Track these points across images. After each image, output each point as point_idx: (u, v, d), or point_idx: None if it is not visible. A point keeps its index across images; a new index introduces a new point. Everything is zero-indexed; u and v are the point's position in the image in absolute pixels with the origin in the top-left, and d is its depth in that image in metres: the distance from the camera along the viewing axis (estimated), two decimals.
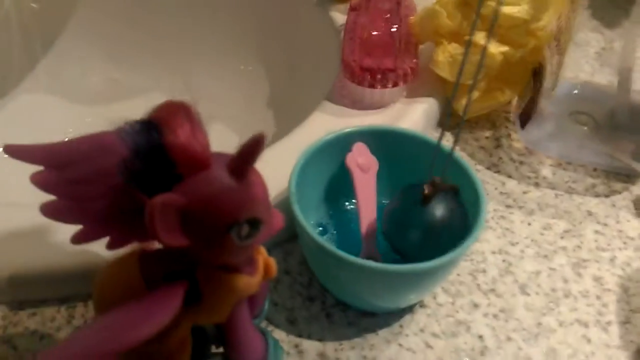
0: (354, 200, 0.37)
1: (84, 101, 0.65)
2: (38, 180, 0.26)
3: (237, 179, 0.23)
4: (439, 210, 0.30)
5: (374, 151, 0.37)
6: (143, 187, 0.23)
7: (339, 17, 0.51)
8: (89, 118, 0.63)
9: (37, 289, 0.34)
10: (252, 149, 0.22)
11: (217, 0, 0.59)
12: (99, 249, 0.30)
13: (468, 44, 0.28)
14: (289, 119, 0.53)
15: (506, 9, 0.39)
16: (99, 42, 0.65)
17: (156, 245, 0.28)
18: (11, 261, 0.33)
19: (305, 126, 0.42)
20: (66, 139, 0.26)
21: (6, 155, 0.26)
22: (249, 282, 0.26)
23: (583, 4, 0.39)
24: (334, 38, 0.50)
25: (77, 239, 0.27)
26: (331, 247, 0.29)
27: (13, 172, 0.58)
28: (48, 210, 0.26)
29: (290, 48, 0.56)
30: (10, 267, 0.33)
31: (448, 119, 0.44)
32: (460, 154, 0.43)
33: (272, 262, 0.28)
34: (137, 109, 0.69)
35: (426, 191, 0.31)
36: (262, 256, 0.27)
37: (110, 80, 0.66)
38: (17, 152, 0.26)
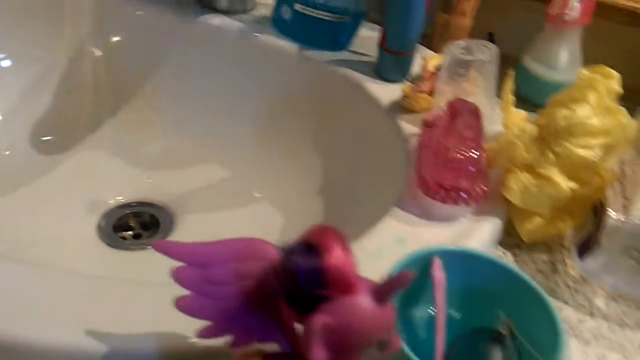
0: (422, 309, 0.40)
1: (141, 165, 0.68)
2: (179, 277, 0.28)
3: (379, 305, 0.25)
4: (506, 355, 0.33)
5: (448, 266, 0.39)
6: (290, 300, 0.25)
7: (406, 126, 0.55)
8: (150, 180, 0.66)
9: None
10: (399, 283, 0.24)
11: (289, 94, 0.63)
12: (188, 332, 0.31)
13: None
14: (349, 216, 0.56)
15: (581, 152, 0.43)
16: (167, 113, 0.69)
17: (276, 347, 0.30)
18: (101, 336, 0.34)
19: (378, 229, 0.45)
20: (213, 241, 0.29)
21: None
22: None
23: None
24: (400, 144, 0.54)
25: (204, 334, 0.28)
26: None
27: (60, 223, 0.60)
28: (183, 306, 0.28)
29: (355, 149, 0.59)
30: (99, 341, 0.34)
31: None
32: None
33: None
34: (190, 179, 0.71)
35: (502, 331, 0.34)
36: None
37: (170, 148, 0.69)
38: (164, 248, 0.28)
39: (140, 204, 0.65)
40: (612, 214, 0.43)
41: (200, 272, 0.28)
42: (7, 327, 0.34)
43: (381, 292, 0.25)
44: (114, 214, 0.63)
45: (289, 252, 0.25)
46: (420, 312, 0.40)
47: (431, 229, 0.45)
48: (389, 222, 0.46)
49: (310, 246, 0.25)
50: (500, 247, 0.48)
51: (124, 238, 0.61)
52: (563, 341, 0.34)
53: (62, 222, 0.61)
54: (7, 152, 0.65)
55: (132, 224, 0.63)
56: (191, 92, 0.67)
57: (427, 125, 0.50)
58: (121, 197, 0.64)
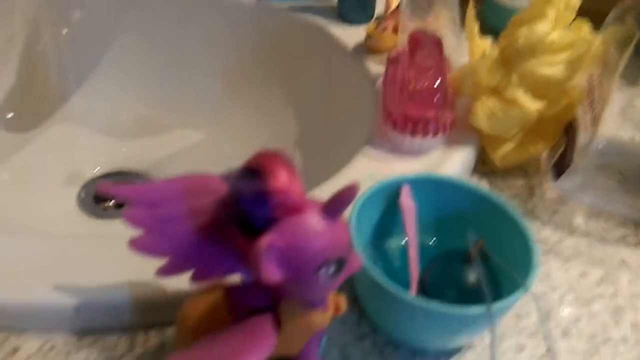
0: (397, 239, 0.39)
1: (114, 135, 0.67)
2: (130, 217, 0.28)
3: (329, 222, 0.24)
4: (476, 273, 0.33)
5: (420, 195, 0.39)
6: (240, 227, 0.25)
7: (373, 66, 0.54)
8: (124, 149, 0.65)
9: (99, 318, 0.35)
10: (348, 195, 0.24)
11: (253, 46, 0.62)
12: (160, 281, 0.31)
13: None
14: (324, 161, 0.55)
15: (545, 70, 0.42)
16: (132, 80, 0.68)
17: (238, 279, 0.29)
18: (74, 291, 0.34)
19: (349, 169, 0.44)
20: (162, 179, 0.28)
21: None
22: (323, 318, 0.27)
23: (613, 68, 0.42)
24: (368, 86, 0.53)
25: (163, 272, 0.28)
26: (399, 289, 0.31)
27: (38, 199, 0.59)
28: (136, 245, 0.28)
29: (325, 94, 0.58)
30: (73, 296, 0.34)
31: None
32: None
33: (342, 299, 0.29)
34: (165, 144, 0.70)
35: (472, 251, 0.34)
36: (332, 293, 0.29)
37: (140, 116, 0.68)
38: (111, 190, 0.28)
39: (119, 173, 0.64)
40: (583, 132, 0.43)
41: (151, 211, 0.27)
42: None
43: (330, 208, 0.24)
44: (93, 186, 0.63)
45: (232, 178, 0.24)
46: (395, 243, 0.40)
47: (402, 163, 0.45)
48: (360, 160, 0.45)
49: (253, 171, 0.24)
50: (475, 176, 0.47)
51: (105, 208, 0.61)
52: (536, 255, 0.33)
53: (41, 199, 0.60)
54: None
55: None
56: (154, 56, 0.66)
57: (391, 61, 0.49)
58: (98, 168, 0.64)
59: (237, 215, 0.25)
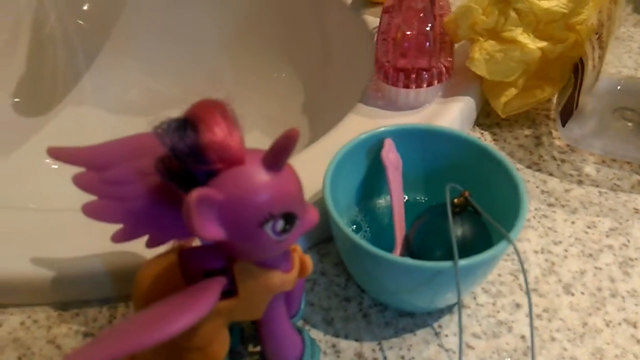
0: (384, 197, 0.37)
1: (126, 112, 0.66)
2: (79, 181, 0.27)
3: (272, 173, 0.23)
4: (464, 226, 0.31)
5: (407, 149, 0.36)
6: (179, 183, 0.23)
7: (372, 20, 0.51)
8: (134, 128, 0.65)
9: (80, 291, 0.34)
10: (286, 143, 0.22)
11: (250, 10, 0.60)
12: (140, 250, 0.30)
13: None
14: (324, 122, 0.53)
15: (544, 3, 0.38)
16: (138, 56, 0.67)
17: (195, 242, 0.28)
18: (55, 263, 0.34)
19: (339, 128, 0.42)
20: (109, 141, 0.27)
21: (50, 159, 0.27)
22: (284, 278, 0.26)
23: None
24: (367, 41, 0.50)
25: (118, 238, 0.27)
26: (367, 244, 0.29)
27: (56, 181, 0.60)
28: (89, 210, 0.27)
29: (323, 53, 0.56)
30: (53, 269, 0.33)
31: None
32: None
33: (308, 259, 0.28)
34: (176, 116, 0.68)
35: (456, 201, 0.31)
36: (298, 253, 0.27)
37: (150, 92, 0.68)
38: (59, 154, 0.27)
39: None
40: (591, 71, 0.39)
41: (100, 174, 0.26)
42: None
43: (271, 158, 0.22)
44: None
45: (166, 132, 0.23)
46: (384, 201, 0.38)
47: (397, 118, 0.42)
48: (351, 118, 0.43)
49: (187, 122, 0.23)
50: (478, 129, 0.44)
51: None
52: (523, 206, 0.30)
53: (57, 180, 0.61)
54: None
55: None
56: (161, 31, 0.65)
57: (385, 10, 0.46)
58: None
59: (179, 173, 0.23)
